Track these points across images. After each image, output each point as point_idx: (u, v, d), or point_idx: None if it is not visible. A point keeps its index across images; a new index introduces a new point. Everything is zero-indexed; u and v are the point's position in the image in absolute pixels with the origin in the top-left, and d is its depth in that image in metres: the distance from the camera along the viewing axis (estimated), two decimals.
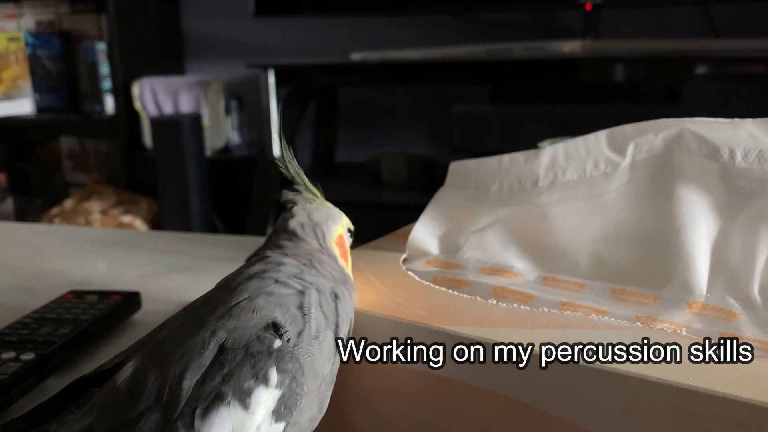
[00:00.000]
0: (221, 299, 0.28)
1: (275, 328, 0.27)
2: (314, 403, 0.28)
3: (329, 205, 0.38)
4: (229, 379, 0.25)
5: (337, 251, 0.35)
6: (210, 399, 0.25)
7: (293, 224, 0.35)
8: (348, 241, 0.37)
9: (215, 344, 0.26)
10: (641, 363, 0.26)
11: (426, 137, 1.92)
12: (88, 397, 0.28)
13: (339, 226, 0.36)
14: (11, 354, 0.44)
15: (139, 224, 1.80)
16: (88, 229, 1.08)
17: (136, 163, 2.01)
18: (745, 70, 1.35)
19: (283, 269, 0.30)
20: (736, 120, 0.35)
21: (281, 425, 0.26)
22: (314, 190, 0.38)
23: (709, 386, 0.24)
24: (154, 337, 0.29)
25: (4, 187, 2.21)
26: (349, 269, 0.36)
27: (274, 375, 0.26)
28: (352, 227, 0.38)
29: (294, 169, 0.37)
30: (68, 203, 1.90)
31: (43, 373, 0.44)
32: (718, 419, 0.24)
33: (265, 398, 0.25)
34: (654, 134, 0.38)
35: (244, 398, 0.25)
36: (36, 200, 2.22)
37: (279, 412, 0.26)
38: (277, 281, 0.29)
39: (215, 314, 0.27)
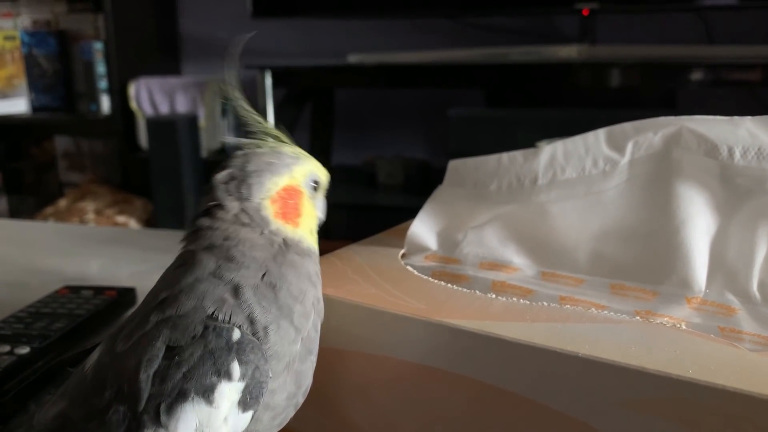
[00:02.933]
0: (156, 294, 0.28)
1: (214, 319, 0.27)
2: (287, 383, 0.28)
3: (290, 150, 0.32)
4: (191, 376, 0.25)
5: (271, 211, 0.30)
6: (173, 396, 0.25)
7: (219, 177, 0.30)
8: (310, 193, 0.32)
9: (163, 337, 0.26)
10: (641, 355, 0.26)
11: (422, 140, 1.92)
12: (63, 379, 0.29)
13: (283, 177, 0.30)
14: (6, 348, 0.44)
15: (134, 224, 1.80)
16: (82, 226, 1.07)
17: (132, 163, 2.00)
18: (741, 77, 1.35)
19: (195, 266, 0.28)
20: (735, 118, 0.35)
21: (249, 413, 0.26)
22: (272, 130, 0.32)
23: (710, 379, 0.24)
24: (123, 327, 0.29)
25: None
26: (300, 231, 0.30)
27: (236, 368, 0.26)
28: (321, 178, 0.33)
29: (243, 108, 0.32)
30: (62, 203, 1.89)
31: (37, 368, 0.44)
32: (719, 412, 0.24)
33: (229, 391, 0.26)
34: (653, 132, 0.38)
35: (207, 394, 0.25)
36: (30, 199, 2.21)
37: (245, 402, 0.26)
38: (196, 279, 0.28)
39: (153, 308, 0.27)
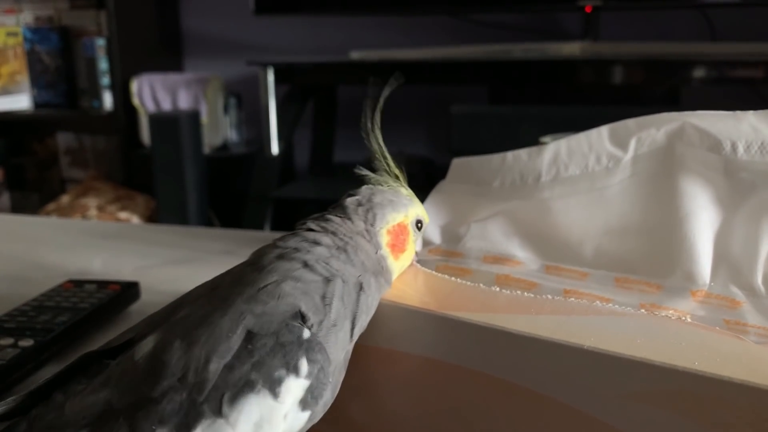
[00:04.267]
0: (250, 280, 0.28)
1: (302, 317, 0.27)
2: (328, 389, 0.28)
3: (405, 192, 0.36)
4: (260, 367, 0.25)
5: (385, 240, 0.33)
6: (239, 386, 0.25)
7: (349, 200, 0.34)
8: (414, 235, 0.35)
9: (243, 329, 0.26)
10: (646, 348, 0.26)
11: (424, 137, 1.92)
12: (97, 369, 0.28)
13: (400, 214, 0.34)
14: (9, 340, 0.44)
15: (136, 221, 1.80)
16: (85, 221, 1.07)
17: (134, 159, 2.00)
18: (743, 74, 1.35)
19: (314, 251, 0.30)
20: (738, 113, 0.35)
21: (307, 414, 0.26)
22: (395, 171, 0.36)
23: (716, 371, 0.24)
24: (172, 314, 0.28)
25: (0, 183, 2.20)
26: (398, 264, 0.34)
27: (304, 365, 0.26)
28: (425, 221, 0.36)
29: (378, 144, 0.36)
30: (65, 199, 1.90)
31: (41, 360, 0.44)
32: (724, 404, 0.24)
33: (295, 388, 0.26)
34: (656, 128, 0.38)
35: (274, 387, 0.25)
36: (32, 196, 2.21)
37: (306, 401, 0.26)
38: (305, 264, 0.29)
39: (243, 296, 0.27)
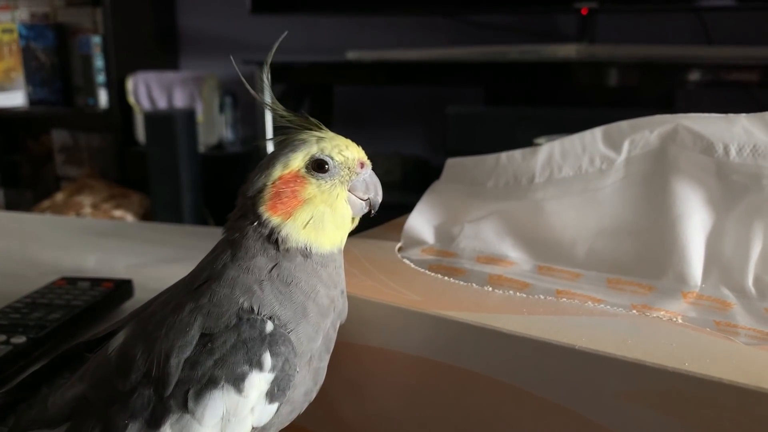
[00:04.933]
0: (190, 282, 0.29)
1: (251, 310, 0.27)
2: (307, 378, 0.28)
3: (300, 137, 0.30)
4: (222, 364, 0.25)
5: (262, 201, 0.29)
6: (203, 382, 0.25)
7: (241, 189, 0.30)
8: (314, 178, 0.29)
9: (198, 325, 0.26)
10: (637, 348, 0.26)
11: (420, 138, 1.92)
12: (79, 363, 0.29)
13: (277, 168, 0.29)
14: (2, 337, 0.44)
15: (131, 219, 1.79)
16: (79, 219, 1.07)
17: (129, 157, 2.00)
18: (738, 77, 1.36)
19: (224, 255, 0.29)
20: (730, 115, 0.35)
21: (275, 405, 0.27)
22: (288, 116, 0.31)
23: (706, 371, 0.24)
24: (145, 309, 0.29)
25: None
26: (297, 221, 0.29)
27: (267, 359, 0.26)
28: (330, 154, 0.30)
29: (267, 101, 0.31)
30: (59, 196, 1.89)
31: (33, 357, 0.44)
32: (714, 404, 0.24)
33: (259, 382, 0.26)
34: (649, 130, 0.38)
35: (237, 383, 0.25)
36: (26, 193, 2.20)
37: (273, 394, 0.26)
38: (224, 265, 0.28)
39: (187, 295, 0.28)
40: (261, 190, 0.29)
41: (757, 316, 0.31)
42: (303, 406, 0.29)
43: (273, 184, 0.29)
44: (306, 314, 0.28)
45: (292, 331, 0.27)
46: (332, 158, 0.30)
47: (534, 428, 0.29)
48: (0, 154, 2.22)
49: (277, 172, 0.29)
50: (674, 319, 0.29)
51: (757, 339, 0.29)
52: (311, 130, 0.31)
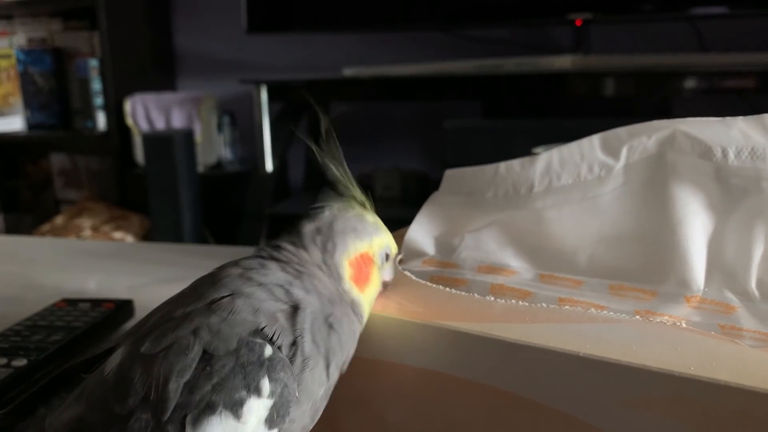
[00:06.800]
0: (203, 293, 0.28)
1: (263, 334, 0.26)
2: (306, 414, 0.28)
3: (372, 219, 0.33)
4: (221, 389, 0.25)
5: (347, 272, 0.31)
6: (201, 408, 0.25)
7: (307, 228, 0.32)
8: (380, 264, 0.33)
9: (200, 345, 0.26)
10: (642, 353, 0.26)
11: (418, 152, 1.92)
12: (77, 382, 0.28)
13: (364, 243, 0.32)
14: (3, 360, 0.43)
15: (131, 240, 1.79)
16: (78, 241, 1.07)
17: (128, 179, 2.00)
18: (734, 84, 1.36)
19: (268, 273, 0.29)
20: (727, 119, 0.35)
21: (274, 431, 0.26)
22: (360, 196, 0.34)
23: (712, 375, 0.24)
24: (142, 326, 0.28)
25: None
26: (366, 297, 0.32)
27: (266, 385, 0.26)
28: (393, 252, 0.34)
29: (340, 168, 0.33)
30: (59, 220, 1.89)
31: (34, 380, 0.43)
32: (721, 408, 0.24)
33: (257, 408, 0.25)
34: (647, 136, 0.38)
35: (236, 409, 0.25)
36: (26, 217, 2.20)
37: (272, 420, 0.26)
38: (260, 284, 0.28)
39: (197, 309, 0.27)
40: (346, 259, 0.31)
41: (762, 319, 0.30)
42: None
43: (355, 257, 0.31)
44: (329, 362, 0.28)
45: (307, 369, 0.27)
46: (392, 253, 0.34)
47: None
48: (0, 179, 2.22)
49: (364, 248, 0.32)
50: (678, 324, 0.29)
51: (762, 341, 0.29)
52: (366, 209, 0.34)
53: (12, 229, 2.19)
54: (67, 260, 0.77)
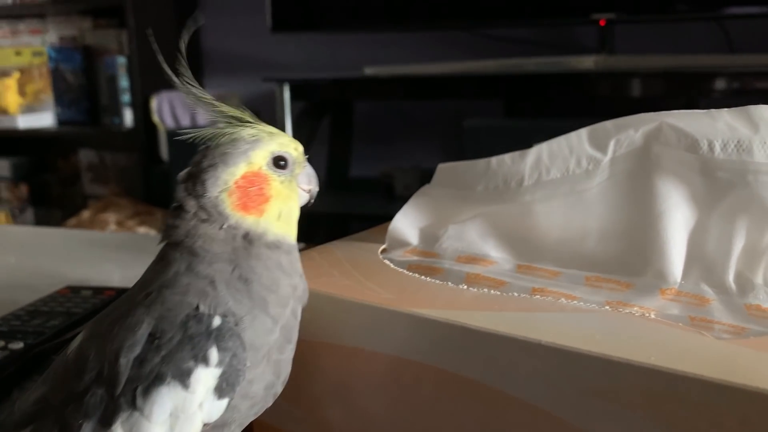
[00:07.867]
0: (144, 286, 0.28)
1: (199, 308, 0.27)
2: (266, 373, 0.28)
3: (249, 132, 0.30)
4: (169, 360, 0.26)
5: (227, 204, 0.29)
6: (150, 379, 0.25)
7: (179, 178, 0.30)
8: (276, 173, 0.30)
9: (148, 323, 0.26)
10: (604, 343, 0.26)
11: (439, 151, 1.92)
12: (48, 366, 0.29)
13: (240, 165, 0.29)
14: (0, 343, 0.44)
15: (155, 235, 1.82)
16: (99, 233, 1.09)
17: (153, 175, 2.03)
18: (763, 85, 1.33)
19: (176, 263, 0.28)
20: (713, 111, 0.35)
21: (224, 401, 0.27)
22: (229, 110, 0.30)
23: (672, 365, 0.24)
24: (108, 311, 0.29)
25: (25, 198, 2.25)
26: (267, 218, 0.29)
27: (214, 354, 0.26)
28: (295, 153, 0.30)
29: (195, 92, 0.31)
30: (85, 214, 1.93)
31: (29, 362, 0.44)
32: (681, 398, 0.24)
33: (205, 377, 0.26)
34: (634, 129, 0.38)
35: (183, 378, 0.26)
36: (55, 211, 2.25)
37: (221, 389, 0.26)
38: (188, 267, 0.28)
39: (143, 298, 0.28)
40: (224, 190, 0.29)
41: (735, 312, 0.30)
42: (267, 401, 0.29)
43: (235, 183, 0.29)
44: (265, 307, 0.28)
45: (248, 326, 0.27)
46: (290, 154, 0.31)
47: (504, 425, 0.28)
48: (30, 174, 2.27)
49: (240, 170, 0.29)
50: (647, 315, 0.28)
51: (731, 333, 0.28)
52: (244, 122, 0.30)
53: (41, 223, 2.24)
54: (82, 251, 0.78)
